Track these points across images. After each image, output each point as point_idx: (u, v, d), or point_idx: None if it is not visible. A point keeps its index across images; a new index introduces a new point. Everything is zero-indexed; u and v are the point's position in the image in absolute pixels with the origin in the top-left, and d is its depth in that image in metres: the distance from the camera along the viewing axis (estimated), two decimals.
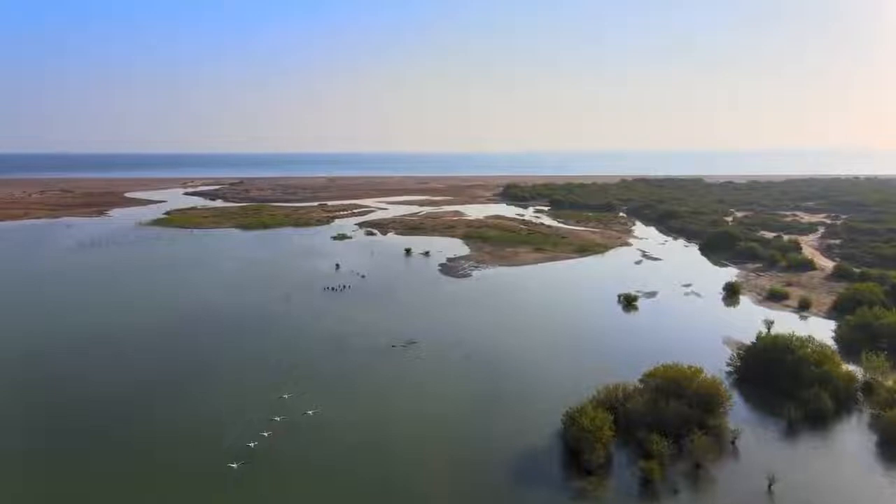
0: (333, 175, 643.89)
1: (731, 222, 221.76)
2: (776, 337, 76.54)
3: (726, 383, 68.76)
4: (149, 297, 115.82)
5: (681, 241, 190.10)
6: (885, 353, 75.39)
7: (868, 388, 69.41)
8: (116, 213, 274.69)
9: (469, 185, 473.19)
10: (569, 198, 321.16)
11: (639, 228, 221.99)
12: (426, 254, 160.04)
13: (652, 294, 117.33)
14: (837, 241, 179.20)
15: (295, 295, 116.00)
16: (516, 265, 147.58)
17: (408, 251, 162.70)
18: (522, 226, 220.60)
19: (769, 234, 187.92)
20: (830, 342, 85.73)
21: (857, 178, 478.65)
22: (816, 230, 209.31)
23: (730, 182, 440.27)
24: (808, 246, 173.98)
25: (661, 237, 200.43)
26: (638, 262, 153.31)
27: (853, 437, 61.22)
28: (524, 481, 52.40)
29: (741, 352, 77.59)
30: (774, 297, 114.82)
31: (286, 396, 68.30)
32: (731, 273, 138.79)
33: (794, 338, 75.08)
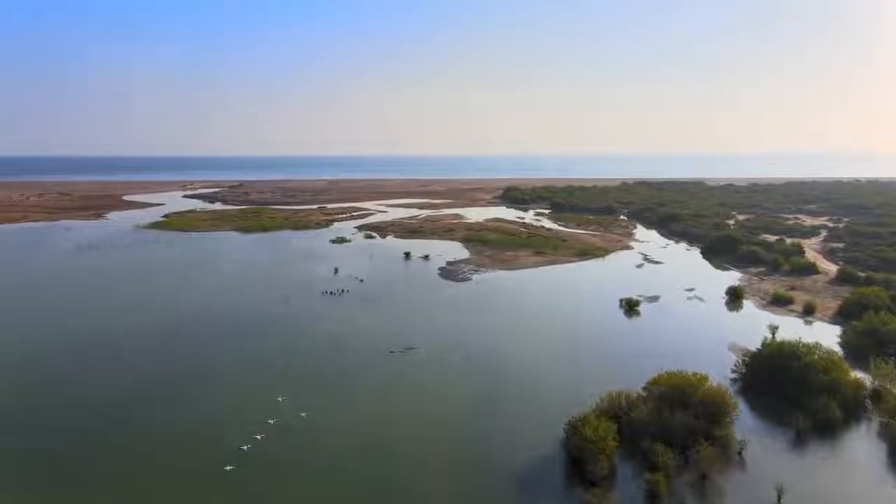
0: (334, 178, 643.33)
1: (732, 225, 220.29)
2: (782, 343, 75.03)
3: (731, 391, 67.35)
4: (147, 300, 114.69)
5: (682, 245, 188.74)
6: (894, 359, 73.90)
7: (877, 395, 67.94)
8: (114, 216, 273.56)
9: (469, 187, 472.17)
10: (569, 201, 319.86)
11: (640, 232, 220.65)
12: (426, 257, 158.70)
13: (654, 298, 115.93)
14: (840, 245, 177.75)
15: (292, 299, 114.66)
16: (516, 269, 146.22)
17: (407, 255, 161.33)
18: (522, 229, 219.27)
19: (771, 238, 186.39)
20: (837, 348, 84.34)
21: (858, 180, 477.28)
22: (819, 233, 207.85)
23: (730, 185, 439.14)
24: (811, 249, 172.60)
25: (663, 240, 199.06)
26: (639, 266, 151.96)
27: (862, 446, 59.76)
28: (527, 496, 50.93)
29: (746, 358, 76.04)
30: (778, 302, 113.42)
31: (280, 399, 68.08)
32: (733, 277, 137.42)
33: (800, 344, 73.63)
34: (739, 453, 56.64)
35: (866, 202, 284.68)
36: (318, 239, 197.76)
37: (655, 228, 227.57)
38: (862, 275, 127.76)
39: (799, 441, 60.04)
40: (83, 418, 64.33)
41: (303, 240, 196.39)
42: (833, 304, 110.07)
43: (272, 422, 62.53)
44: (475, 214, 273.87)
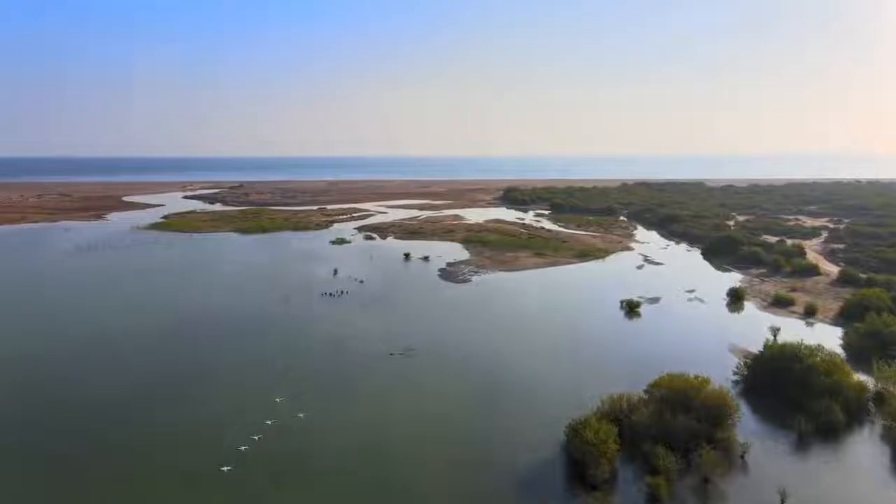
0: (334, 179, 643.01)
1: (733, 226, 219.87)
2: (784, 345, 74.61)
3: (733, 393, 66.90)
4: (146, 301, 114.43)
5: (683, 246, 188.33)
6: None
7: (880, 398, 67.42)
8: (114, 216, 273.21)
9: (470, 188, 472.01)
10: (569, 201, 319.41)
11: (640, 232, 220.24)
12: (425, 258, 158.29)
13: (654, 300, 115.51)
14: (841, 246, 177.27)
15: (292, 300, 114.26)
16: (516, 270, 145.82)
17: (407, 256, 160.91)
18: (523, 230, 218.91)
19: (772, 239, 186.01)
20: (839, 350, 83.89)
21: (859, 181, 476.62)
22: (819, 234, 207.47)
23: (731, 185, 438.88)
24: (812, 250, 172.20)
25: (663, 241, 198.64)
26: (640, 267, 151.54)
27: (865, 449, 59.34)
28: (527, 498, 50.49)
29: (748, 360, 75.58)
30: (779, 303, 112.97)
31: (279, 400, 68.01)
32: (734, 278, 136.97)
33: (802, 346, 73.13)
34: (742, 457, 56.19)
35: (867, 203, 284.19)
36: (317, 240, 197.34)
37: (655, 229, 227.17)
38: (863, 276, 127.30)
39: (801, 444, 59.60)
40: (83, 419, 64.35)
41: (302, 241, 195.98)
42: (834, 306, 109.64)
43: (271, 422, 62.41)
44: (475, 215, 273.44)
